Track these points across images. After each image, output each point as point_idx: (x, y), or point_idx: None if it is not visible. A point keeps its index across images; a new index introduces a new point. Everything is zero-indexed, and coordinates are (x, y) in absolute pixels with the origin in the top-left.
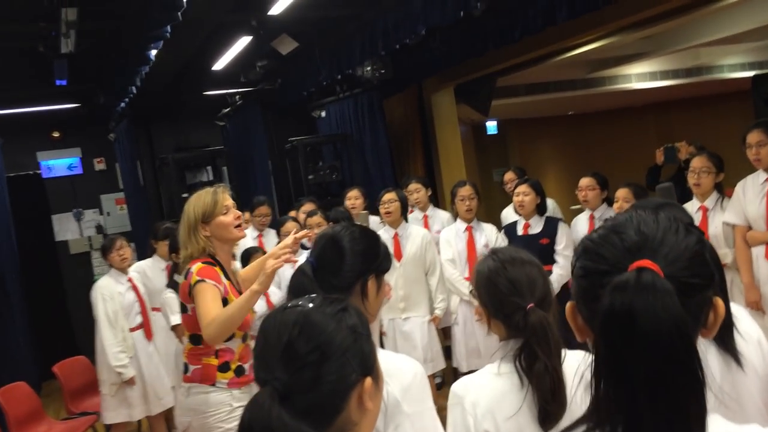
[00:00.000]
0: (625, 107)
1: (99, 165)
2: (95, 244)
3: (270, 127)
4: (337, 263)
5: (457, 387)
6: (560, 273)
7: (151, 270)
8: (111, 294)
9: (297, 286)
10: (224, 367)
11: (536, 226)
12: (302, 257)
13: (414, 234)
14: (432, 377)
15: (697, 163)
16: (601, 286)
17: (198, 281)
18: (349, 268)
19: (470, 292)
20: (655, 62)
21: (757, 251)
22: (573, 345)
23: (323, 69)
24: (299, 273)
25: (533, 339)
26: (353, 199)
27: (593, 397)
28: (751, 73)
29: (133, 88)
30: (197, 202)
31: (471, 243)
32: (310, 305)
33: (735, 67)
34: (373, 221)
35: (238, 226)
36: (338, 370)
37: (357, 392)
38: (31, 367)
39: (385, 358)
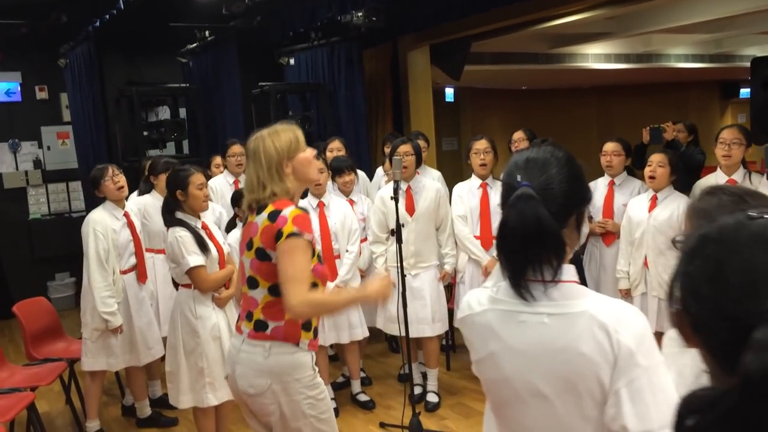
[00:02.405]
0: (573, 87)
1: (41, 93)
2: (32, 180)
3: (243, 69)
4: (558, 190)
5: None
6: None
7: (151, 207)
8: (105, 230)
9: (525, 211)
10: (307, 326)
11: None
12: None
13: (428, 187)
14: (439, 340)
15: (727, 134)
16: None
17: (293, 234)
18: (571, 195)
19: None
20: (612, 44)
21: None
22: None
23: (320, 8)
24: (525, 198)
25: None
26: (336, 150)
27: None
28: (694, 65)
29: (122, 3)
30: (277, 137)
31: (485, 200)
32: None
33: (680, 58)
34: (378, 174)
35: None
36: None
37: None
38: None
39: (606, 303)
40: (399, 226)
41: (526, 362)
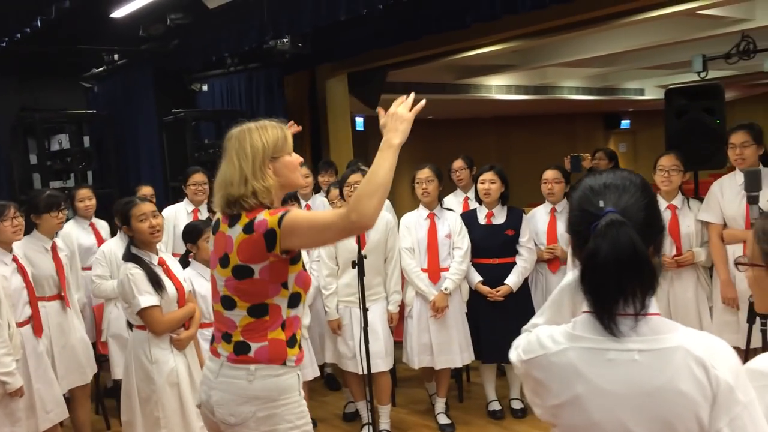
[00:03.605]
0: (475, 118)
1: None
2: None
3: (158, 94)
4: (637, 217)
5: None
6: (524, 266)
7: (32, 251)
8: None
9: (619, 239)
10: (292, 341)
11: (499, 215)
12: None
13: (379, 219)
14: (388, 375)
15: (665, 161)
16: None
17: (281, 217)
18: (651, 222)
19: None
20: (512, 76)
21: (734, 249)
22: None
23: (251, 32)
24: (617, 224)
25: None
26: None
27: None
28: (583, 97)
29: (38, 22)
30: (264, 133)
31: (432, 231)
32: None
33: (572, 90)
34: (321, 202)
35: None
36: None
37: None
38: None
39: (697, 337)
40: (361, 258)
41: (617, 404)
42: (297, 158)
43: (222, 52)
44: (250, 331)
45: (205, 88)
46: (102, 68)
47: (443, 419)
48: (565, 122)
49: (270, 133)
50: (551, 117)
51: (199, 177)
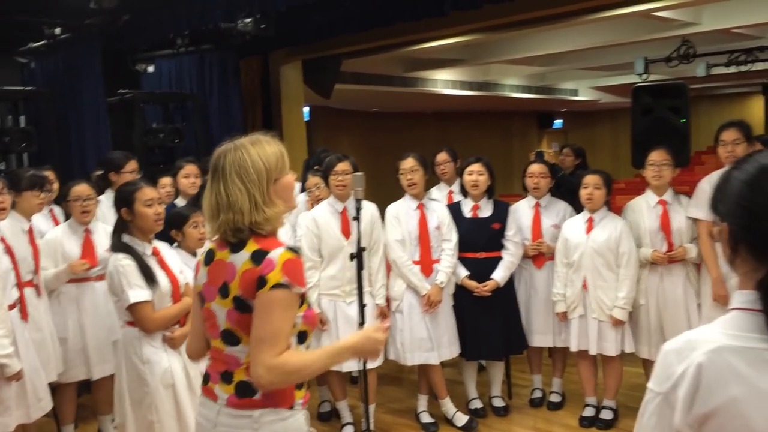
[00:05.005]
0: (418, 112)
1: None
2: None
3: (106, 73)
4: None
5: None
6: (511, 260)
7: (10, 231)
8: None
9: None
10: (300, 383)
11: (485, 209)
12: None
13: (364, 209)
14: (374, 372)
15: (656, 156)
16: None
17: (280, 285)
18: None
19: None
20: (458, 71)
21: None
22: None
23: (216, 9)
24: None
25: None
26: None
27: None
28: (522, 95)
29: None
30: (262, 149)
31: (423, 222)
32: None
33: (513, 88)
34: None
35: None
36: None
37: None
38: None
39: None
40: (360, 250)
41: None
42: (293, 176)
43: (181, 29)
44: None
45: (151, 68)
46: (41, 42)
47: (426, 418)
48: (502, 120)
49: (268, 150)
50: (489, 114)
51: (133, 164)
